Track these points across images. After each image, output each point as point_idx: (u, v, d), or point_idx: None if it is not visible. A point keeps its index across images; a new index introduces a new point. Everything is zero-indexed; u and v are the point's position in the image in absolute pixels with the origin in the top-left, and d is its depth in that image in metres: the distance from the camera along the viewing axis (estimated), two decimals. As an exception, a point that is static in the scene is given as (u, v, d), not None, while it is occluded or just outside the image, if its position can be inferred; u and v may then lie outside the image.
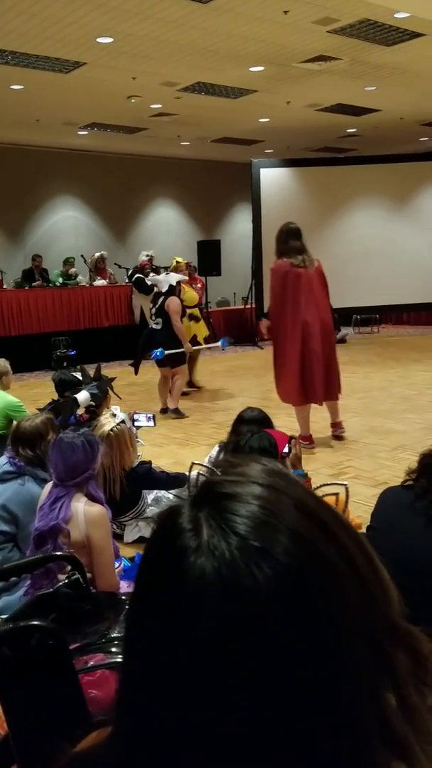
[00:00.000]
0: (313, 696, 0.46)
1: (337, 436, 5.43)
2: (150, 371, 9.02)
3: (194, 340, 7.57)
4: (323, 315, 5.24)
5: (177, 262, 7.47)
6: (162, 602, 0.48)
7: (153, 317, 6.77)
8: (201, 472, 3.33)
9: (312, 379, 5.16)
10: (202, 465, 3.40)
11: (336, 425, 5.47)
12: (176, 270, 7.58)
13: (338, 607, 0.48)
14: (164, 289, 6.64)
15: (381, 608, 0.52)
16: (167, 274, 6.88)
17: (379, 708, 0.49)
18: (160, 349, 6.48)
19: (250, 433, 2.90)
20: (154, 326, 6.72)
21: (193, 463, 3.55)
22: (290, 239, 5.22)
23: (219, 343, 7.18)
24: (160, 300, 6.69)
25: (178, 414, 6.56)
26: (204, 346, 7.60)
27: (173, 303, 6.58)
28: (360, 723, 0.47)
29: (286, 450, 3.00)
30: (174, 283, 6.78)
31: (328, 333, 5.30)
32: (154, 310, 6.79)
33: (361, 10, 7.14)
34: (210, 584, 0.46)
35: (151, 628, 0.49)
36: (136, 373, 6.75)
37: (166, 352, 6.50)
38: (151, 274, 11.17)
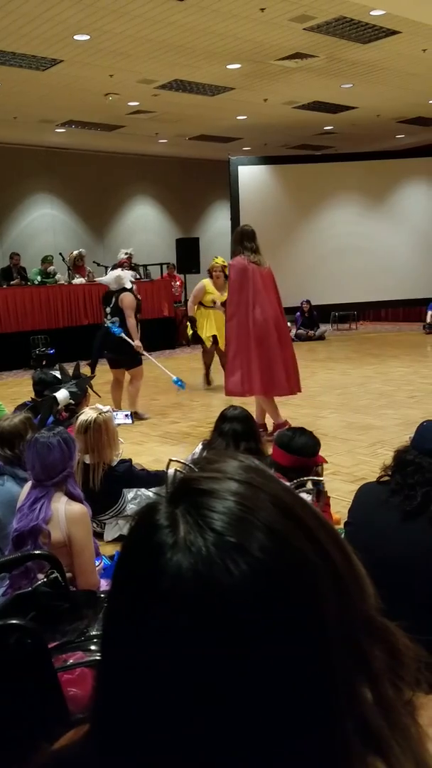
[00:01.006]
0: (289, 690, 0.46)
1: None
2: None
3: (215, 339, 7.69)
4: (276, 311, 5.33)
5: (215, 261, 7.64)
6: (138, 598, 0.48)
7: (108, 316, 6.67)
8: (178, 469, 3.33)
9: (275, 372, 5.25)
10: (179, 462, 3.40)
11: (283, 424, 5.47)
12: (212, 269, 7.80)
13: (314, 602, 0.48)
14: (128, 285, 6.56)
15: (356, 603, 0.52)
16: (123, 270, 6.77)
17: (355, 702, 0.49)
18: (118, 329, 6.39)
19: (298, 431, 2.97)
20: (109, 324, 6.65)
21: (171, 460, 3.56)
22: (245, 240, 5.35)
23: (175, 384, 7.00)
24: (113, 298, 6.62)
25: (139, 417, 6.46)
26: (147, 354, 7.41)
27: (127, 298, 6.48)
28: (336, 717, 0.48)
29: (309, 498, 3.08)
30: (133, 280, 6.71)
31: (283, 329, 5.41)
32: (108, 309, 6.70)
33: (337, 8, 7.18)
34: (186, 580, 0.46)
35: (128, 625, 0.49)
36: (93, 372, 6.63)
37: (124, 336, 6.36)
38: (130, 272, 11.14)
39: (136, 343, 6.48)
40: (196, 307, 8.01)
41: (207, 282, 7.90)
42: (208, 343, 8.01)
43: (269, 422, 5.53)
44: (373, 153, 13.56)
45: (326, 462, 5.16)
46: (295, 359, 5.47)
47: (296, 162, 13.03)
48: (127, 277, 6.60)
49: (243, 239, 5.35)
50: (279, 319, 5.37)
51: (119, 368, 6.63)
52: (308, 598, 0.48)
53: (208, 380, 8.21)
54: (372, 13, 7.32)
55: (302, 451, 2.96)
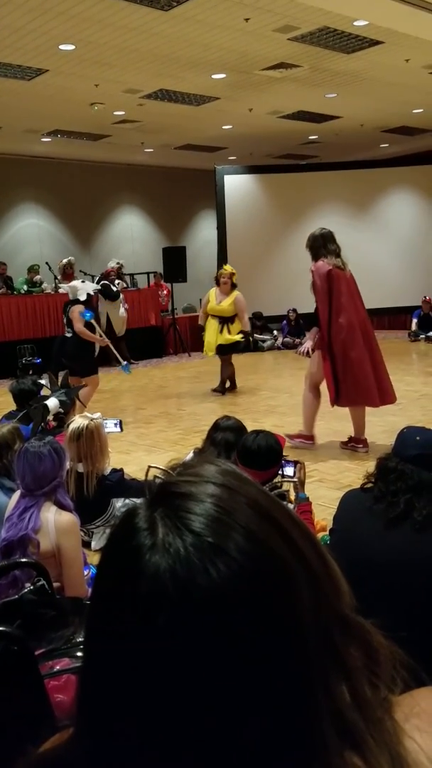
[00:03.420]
0: (266, 687, 0.47)
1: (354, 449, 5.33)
2: (116, 378, 8.99)
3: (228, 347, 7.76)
4: (363, 315, 5.28)
5: (225, 268, 7.69)
6: (118, 600, 0.49)
7: (66, 325, 6.76)
8: (157, 475, 3.34)
9: (382, 379, 5.16)
10: (158, 468, 3.41)
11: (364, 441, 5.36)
12: (219, 276, 7.86)
13: (290, 601, 0.49)
14: (82, 298, 6.62)
15: (331, 602, 0.53)
16: (83, 282, 6.83)
17: (331, 699, 0.50)
18: (90, 313, 6.49)
19: (256, 433, 2.95)
20: (66, 334, 6.70)
21: (150, 467, 3.56)
22: (327, 243, 5.23)
23: (121, 369, 7.05)
24: (67, 308, 6.70)
25: None
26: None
27: (75, 311, 6.57)
28: (313, 713, 0.49)
29: (290, 473, 3.04)
30: (92, 292, 6.76)
31: (373, 336, 5.33)
32: (65, 319, 6.78)
33: (320, 18, 7.25)
34: (165, 581, 0.47)
35: (108, 628, 0.50)
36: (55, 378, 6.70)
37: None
38: (117, 281, 11.15)
39: (98, 337, 6.55)
40: (204, 315, 8.05)
41: (212, 291, 7.94)
42: (209, 353, 8.02)
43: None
44: (357, 162, 13.68)
45: (285, 440, 5.17)
46: (383, 365, 5.33)
47: (281, 171, 13.12)
48: (84, 289, 6.64)
49: (326, 242, 5.20)
50: (366, 324, 5.26)
51: (74, 376, 6.66)
52: (284, 597, 0.49)
53: (222, 389, 8.21)
54: (355, 23, 7.41)
55: (268, 463, 2.94)
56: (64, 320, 6.83)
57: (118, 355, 6.64)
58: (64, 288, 6.86)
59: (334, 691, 0.51)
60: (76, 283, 6.70)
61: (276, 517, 0.53)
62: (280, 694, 0.48)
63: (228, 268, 8.15)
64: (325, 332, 5.18)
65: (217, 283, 7.98)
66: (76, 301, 6.63)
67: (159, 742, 0.47)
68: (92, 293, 6.74)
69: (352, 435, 5.32)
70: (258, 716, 0.47)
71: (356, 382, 5.09)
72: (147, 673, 0.47)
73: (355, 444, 5.20)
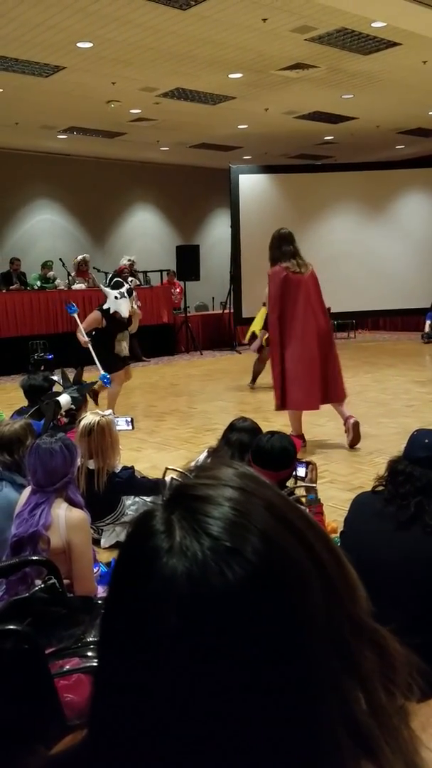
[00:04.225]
0: (281, 693, 0.47)
1: (353, 426, 5.37)
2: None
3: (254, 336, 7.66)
4: (320, 320, 5.28)
5: None
6: (134, 603, 0.49)
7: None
8: (174, 477, 3.34)
9: (311, 385, 5.22)
10: (175, 470, 3.41)
11: (348, 418, 5.44)
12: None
13: (305, 605, 0.49)
14: (105, 306, 6.63)
15: (347, 607, 0.53)
16: (117, 297, 6.79)
17: (346, 705, 0.50)
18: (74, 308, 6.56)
19: (271, 433, 2.95)
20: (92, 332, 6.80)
21: (167, 468, 3.56)
22: (283, 244, 5.26)
23: (100, 378, 7.05)
24: None
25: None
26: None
27: (93, 315, 6.66)
28: (327, 719, 0.48)
29: (302, 474, 3.04)
30: (117, 310, 6.74)
31: (326, 338, 5.35)
32: None
33: (338, 19, 7.23)
34: (181, 584, 0.47)
35: (124, 630, 0.50)
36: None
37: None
38: (130, 278, 11.16)
39: (83, 339, 6.57)
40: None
41: None
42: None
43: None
44: (372, 163, 13.61)
45: (304, 443, 5.17)
46: (338, 367, 5.41)
47: (296, 171, 13.08)
48: (113, 303, 6.62)
49: (281, 244, 5.25)
50: (322, 328, 5.29)
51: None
52: (299, 600, 0.49)
53: (253, 383, 8.31)
54: (373, 24, 7.38)
55: (282, 464, 2.93)
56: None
57: (98, 363, 6.64)
58: (103, 290, 6.92)
59: (348, 697, 0.50)
60: (112, 293, 6.70)
61: (293, 520, 0.53)
62: (294, 698, 0.47)
63: None
64: (276, 340, 5.26)
65: None
66: (101, 307, 6.67)
67: (172, 745, 0.47)
68: (117, 311, 6.70)
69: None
70: (270, 721, 0.47)
71: (303, 388, 5.19)
72: (161, 675, 0.47)
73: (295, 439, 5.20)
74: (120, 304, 6.68)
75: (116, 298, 6.67)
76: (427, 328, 12.68)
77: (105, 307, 6.62)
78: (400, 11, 6.80)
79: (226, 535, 0.48)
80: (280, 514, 0.52)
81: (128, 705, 0.49)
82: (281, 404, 5.34)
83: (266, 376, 7.62)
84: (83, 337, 6.54)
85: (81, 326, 6.54)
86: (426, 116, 11.88)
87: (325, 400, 5.33)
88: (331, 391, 5.34)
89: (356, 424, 5.35)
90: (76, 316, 6.54)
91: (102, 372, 6.61)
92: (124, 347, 6.82)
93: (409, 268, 12.89)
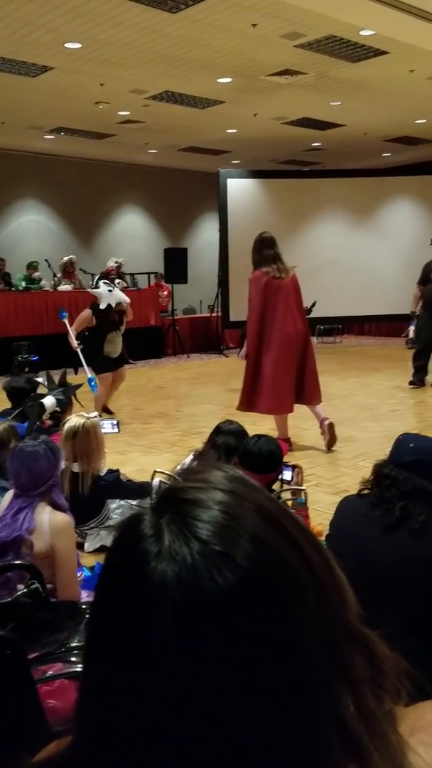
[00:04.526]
0: (274, 696, 0.47)
1: (329, 427, 5.40)
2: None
3: None
4: (298, 325, 5.30)
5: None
6: (122, 608, 0.48)
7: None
8: (163, 480, 3.33)
9: (286, 389, 5.26)
10: (164, 473, 3.40)
11: (323, 420, 5.47)
12: None
13: (296, 609, 0.49)
14: (102, 306, 6.61)
15: (337, 611, 0.52)
16: (111, 291, 6.79)
17: (336, 710, 0.49)
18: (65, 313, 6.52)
19: (258, 437, 2.96)
20: (84, 333, 6.76)
21: (155, 471, 3.55)
22: (264, 248, 5.28)
23: (88, 377, 7.05)
24: None
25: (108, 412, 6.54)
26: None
27: (83, 314, 6.63)
28: (317, 723, 0.48)
29: (288, 478, 3.05)
30: (113, 305, 6.73)
31: (303, 343, 5.39)
32: None
33: (327, 26, 7.27)
34: (170, 589, 0.46)
35: (112, 635, 0.49)
36: (76, 372, 6.66)
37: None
38: (117, 281, 11.13)
39: (73, 344, 6.57)
40: None
41: None
42: None
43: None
44: (359, 170, 13.71)
45: (290, 446, 5.20)
46: (314, 370, 5.46)
47: (284, 177, 13.14)
48: (107, 299, 6.62)
49: (262, 248, 5.29)
50: (300, 332, 5.33)
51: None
52: (290, 604, 0.49)
53: None
54: (361, 32, 7.43)
55: (268, 467, 2.94)
56: None
57: (86, 368, 6.62)
58: (92, 292, 6.86)
59: (338, 701, 0.50)
60: (102, 290, 6.68)
61: (283, 523, 0.52)
62: (284, 703, 0.47)
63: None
64: (254, 343, 5.30)
65: None
66: (93, 306, 6.63)
67: (161, 751, 0.46)
68: (113, 306, 6.70)
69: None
70: (261, 726, 0.46)
71: (278, 391, 5.23)
72: (149, 681, 0.46)
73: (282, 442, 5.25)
74: (114, 295, 6.70)
75: (110, 291, 6.67)
76: (411, 334, 12.76)
77: (102, 306, 6.59)
78: (389, 20, 6.85)
79: (216, 539, 0.48)
80: (271, 518, 0.52)
81: (118, 709, 0.48)
82: (247, 405, 5.38)
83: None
84: (74, 342, 6.52)
85: (71, 331, 6.51)
86: (413, 124, 11.98)
87: (299, 401, 5.39)
88: (306, 394, 5.37)
89: (331, 426, 5.39)
90: (66, 321, 6.51)
91: (89, 375, 6.60)
92: (114, 348, 6.77)
93: (395, 275, 12.97)
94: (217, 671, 0.45)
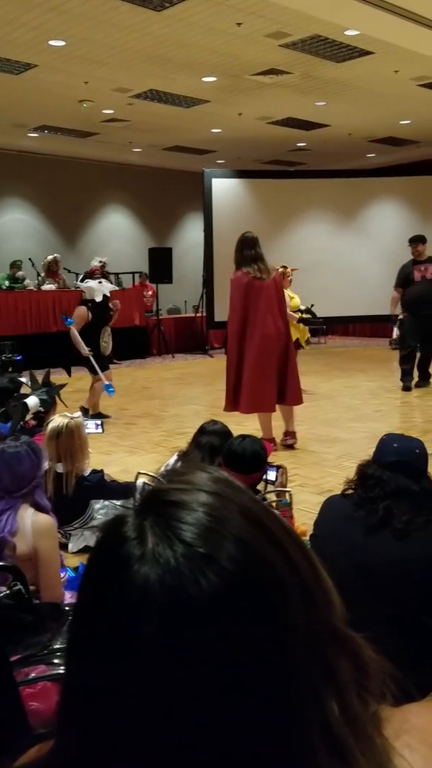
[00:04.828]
0: (255, 701, 0.46)
1: (287, 445, 5.49)
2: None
3: (297, 343, 7.57)
4: (279, 327, 5.32)
5: (283, 267, 7.65)
6: (105, 612, 0.48)
7: None
8: (146, 481, 3.31)
9: (268, 389, 5.27)
10: (147, 474, 3.39)
11: (288, 434, 5.53)
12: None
13: (282, 612, 0.48)
14: (98, 299, 6.59)
15: (323, 614, 0.52)
16: (101, 282, 6.78)
17: (321, 713, 0.49)
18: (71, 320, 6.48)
19: (243, 437, 2.95)
20: (63, 316, 6.78)
21: (139, 473, 3.54)
22: (245, 249, 5.29)
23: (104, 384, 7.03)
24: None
25: (85, 414, 6.49)
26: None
27: (78, 310, 6.57)
28: (303, 728, 0.48)
29: (273, 478, 3.04)
30: (108, 293, 6.73)
31: (285, 343, 5.39)
32: None
33: (312, 26, 7.29)
34: (154, 593, 0.46)
35: (94, 639, 0.48)
36: (69, 374, 6.63)
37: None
38: (101, 280, 11.08)
39: (84, 351, 6.51)
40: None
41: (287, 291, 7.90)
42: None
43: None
44: (344, 171, 13.76)
45: (275, 446, 5.22)
46: (295, 372, 5.48)
47: (269, 177, 13.16)
48: (100, 290, 6.60)
49: (243, 248, 5.28)
50: (281, 332, 5.33)
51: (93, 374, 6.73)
52: (276, 607, 0.48)
53: None
54: (346, 32, 7.45)
55: (253, 467, 2.94)
56: None
57: (100, 373, 6.60)
58: (82, 286, 6.79)
59: (324, 705, 0.50)
60: (92, 284, 6.65)
61: (269, 526, 0.52)
62: (269, 706, 0.47)
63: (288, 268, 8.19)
64: (234, 344, 5.33)
65: None
66: (85, 302, 6.59)
67: (144, 757, 0.46)
68: (108, 294, 6.69)
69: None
70: (246, 731, 0.46)
71: (260, 391, 5.25)
72: (132, 685, 0.46)
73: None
74: (104, 287, 6.69)
75: (100, 283, 6.65)
76: (394, 335, 12.83)
77: (99, 299, 6.55)
78: (373, 20, 6.89)
79: (200, 541, 0.47)
80: (256, 520, 0.51)
81: (100, 713, 0.47)
82: (232, 406, 5.41)
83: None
84: (84, 349, 6.48)
85: (78, 337, 6.45)
86: (397, 125, 12.05)
87: (281, 401, 5.40)
88: (288, 394, 5.38)
89: (290, 446, 5.46)
90: (73, 328, 6.45)
91: (106, 382, 6.61)
92: (109, 344, 6.76)
93: (379, 276, 13.03)
94: (201, 674, 0.45)
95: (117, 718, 0.46)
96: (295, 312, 7.86)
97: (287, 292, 7.84)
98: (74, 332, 6.49)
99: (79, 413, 3.63)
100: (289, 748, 0.47)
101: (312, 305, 8.35)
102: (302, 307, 8.08)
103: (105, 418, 6.48)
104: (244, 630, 0.46)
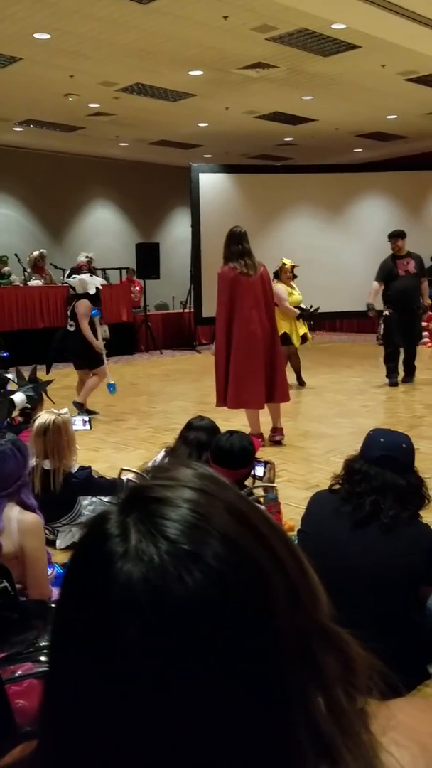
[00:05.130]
0: (242, 699, 0.46)
1: (275, 441, 5.50)
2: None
3: (285, 337, 7.56)
4: (266, 322, 5.31)
5: (284, 263, 7.55)
6: (88, 609, 0.47)
7: (69, 319, 6.66)
8: (130, 478, 3.31)
9: (257, 385, 5.27)
10: (131, 471, 3.38)
11: (275, 430, 5.53)
12: (281, 272, 7.81)
13: (267, 609, 0.48)
14: (92, 291, 6.55)
15: (309, 610, 0.52)
16: (92, 276, 6.74)
17: (308, 711, 0.49)
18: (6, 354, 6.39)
19: (230, 433, 2.94)
20: (69, 328, 6.61)
21: (123, 469, 3.53)
22: (232, 244, 5.28)
23: (107, 387, 6.99)
24: (73, 302, 6.60)
25: (81, 410, 6.44)
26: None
27: (82, 305, 6.47)
28: (289, 725, 0.47)
29: (260, 474, 3.04)
30: (100, 286, 6.70)
31: (272, 339, 5.39)
32: (69, 312, 6.68)
33: (298, 20, 7.27)
34: (137, 590, 0.45)
35: (76, 637, 0.47)
36: (48, 372, 6.57)
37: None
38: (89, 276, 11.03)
39: (97, 343, 6.45)
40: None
41: (282, 286, 7.81)
42: (297, 343, 8.00)
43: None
44: (331, 166, 13.76)
45: (263, 442, 5.23)
46: (282, 369, 5.49)
47: (256, 172, 13.14)
48: (93, 283, 6.56)
49: (230, 243, 5.26)
50: (267, 328, 5.33)
51: (83, 369, 6.64)
52: (262, 605, 0.48)
53: (301, 381, 8.28)
54: (333, 26, 7.45)
55: (240, 463, 2.94)
56: (68, 313, 6.71)
57: (106, 364, 6.59)
58: (70, 282, 6.71)
59: (310, 702, 0.49)
60: (84, 276, 6.59)
61: (254, 522, 0.51)
62: (256, 706, 0.46)
63: (288, 262, 8.12)
64: (222, 339, 5.33)
65: (277, 278, 7.79)
66: (85, 295, 6.51)
67: (127, 757, 0.45)
68: (100, 287, 6.64)
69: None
70: (232, 730, 0.45)
71: (249, 387, 5.26)
72: (115, 686, 0.45)
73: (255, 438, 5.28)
74: (96, 279, 6.66)
75: (90, 276, 6.62)
76: (381, 330, 12.87)
77: (92, 292, 6.51)
78: (360, 14, 6.89)
79: (184, 538, 0.47)
80: (242, 517, 0.51)
81: (83, 713, 0.46)
82: (222, 401, 5.41)
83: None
84: (99, 345, 6.42)
85: (90, 332, 6.38)
86: (384, 120, 12.07)
87: (269, 399, 5.40)
88: (276, 392, 5.39)
89: (278, 443, 5.46)
90: (86, 324, 6.39)
91: (109, 381, 6.58)
92: (101, 339, 6.68)
93: (366, 271, 13.00)
94: (185, 673, 0.44)
95: (100, 717, 0.46)
96: (296, 308, 7.88)
97: (286, 287, 7.85)
98: (87, 328, 6.40)
99: (65, 409, 3.61)
100: (275, 746, 0.47)
101: (317, 308, 8.33)
102: (303, 306, 8.07)
103: (93, 415, 6.46)
104: (230, 628, 0.46)
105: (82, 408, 6.46)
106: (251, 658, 0.46)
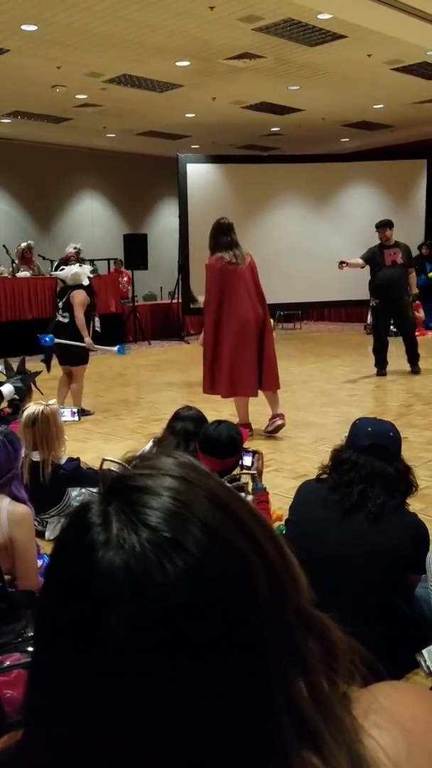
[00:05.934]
0: (224, 686, 0.46)
1: (276, 426, 5.45)
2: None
3: None
4: (256, 309, 5.32)
5: None
6: (70, 598, 0.47)
7: (60, 310, 6.50)
8: (112, 468, 3.30)
9: (248, 373, 5.27)
10: (113, 461, 3.37)
11: (275, 416, 5.52)
12: None
13: (249, 595, 0.48)
14: (85, 282, 6.48)
15: (290, 596, 0.52)
16: (81, 266, 6.65)
17: (290, 696, 0.49)
18: (50, 336, 6.18)
19: (218, 422, 2.94)
20: (60, 319, 6.44)
21: (104, 460, 3.51)
22: (220, 234, 5.29)
23: (115, 349, 6.93)
24: (67, 294, 6.49)
25: (84, 413, 6.34)
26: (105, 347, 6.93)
27: (79, 296, 6.34)
28: (272, 711, 0.48)
29: (249, 463, 3.04)
30: (90, 275, 6.63)
31: (262, 328, 5.40)
32: (61, 304, 6.54)
33: (285, 9, 7.24)
34: (118, 578, 0.45)
35: (59, 626, 0.48)
36: (48, 370, 6.45)
37: (58, 341, 6.18)
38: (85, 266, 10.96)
39: (87, 340, 6.33)
40: None
41: None
42: None
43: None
44: (318, 156, 13.75)
45: (251, 432, 5.25)
46: (273, 356, 5.48)
47: (244, 162, 13.09)
48: (84, 273, 6.50)
49: (218, 234, 5.28)
50: (259, 316, 5.33)
51: (66, 365, 6.46)
52: (243, 592, 0.48)
53: None
54: (319, 16, 7.42)
55: (228, 452, 2.94)
56: (60, 304, 6.52)
57: (107, 348, 6.59)
58: (59, 275, 6.60)
59: (292, 687, 0.50)
60: (75, 267, 6.48)
61: (235, 509, 0.52)
62: (238, 692, 0.47)
63: None
64: (210, 329, 5.34)
65: None
66: (79, 286, 6.41)
67: (110, 745, 0.46)
68: (91, 276, 6.58)
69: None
70: (215, 716, 0.46)
71: (241, 376, 5.27)
72: (98, 674, 0.45)
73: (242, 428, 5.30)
74: (85, 267, 6.58)
75: (80, 266, 6.56)
76: (369, 320, 12.92)
77: (86, 283, 6.43)
78: (346, 4, 6.87)
79: (165, 526, 0.47)
80: (222, 504, 0.51)
81: (64, 704, 0.47)
82: (209, 388, 5.44)
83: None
84: (90, 340, 6.29)
85: (81, 329, 6.26)
86: (371, 110, 12.06)
87: (260, 386, 5.42)
88: (265, 380, 5.40)
89: (280, 427, 5.45)
90: (80, 314, 6.29)
91: (117, 346, 6.55)
92: (91, 334, 6.55)
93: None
94: (168, 660, 0.45)
95: (82, 709, 0.46)
96: None
97: None
98: (82, 319, 6.27)
99: (54, 400, 3.60)
100: (257, 732, 0.47)
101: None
102: None
103: (88, 415, 6.38)
104: (211, 614, 0.46)
105: (84, 412, 6.36)
106: (233, 645, 0.46)
